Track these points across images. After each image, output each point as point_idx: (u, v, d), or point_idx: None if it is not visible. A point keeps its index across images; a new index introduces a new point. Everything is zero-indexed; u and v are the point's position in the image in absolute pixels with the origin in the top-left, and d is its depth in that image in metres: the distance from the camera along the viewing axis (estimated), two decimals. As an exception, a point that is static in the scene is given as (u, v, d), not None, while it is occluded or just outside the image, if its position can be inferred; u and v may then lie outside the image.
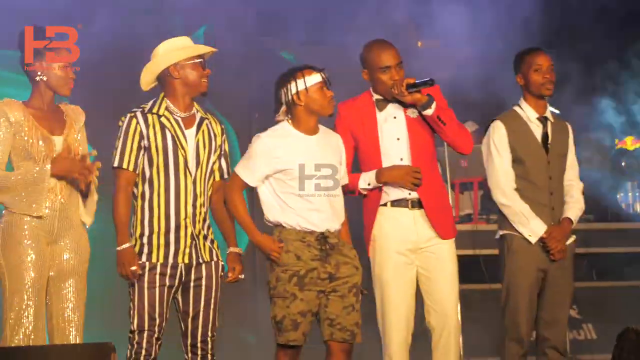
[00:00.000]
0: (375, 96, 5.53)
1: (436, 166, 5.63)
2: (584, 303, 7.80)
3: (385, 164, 5.46)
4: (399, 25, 8.01)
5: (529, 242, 5.79)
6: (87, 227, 5.35)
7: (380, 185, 5.46)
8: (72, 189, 5.26)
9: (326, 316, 5.21)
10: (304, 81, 5.24)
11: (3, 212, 5.23)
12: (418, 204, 5.48)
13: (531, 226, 5.79)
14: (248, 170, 5.27)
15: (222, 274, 5.25)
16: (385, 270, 5.46)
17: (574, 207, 5.89)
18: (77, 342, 5.19)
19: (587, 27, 8.70)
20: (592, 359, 7.76)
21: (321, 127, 5.36)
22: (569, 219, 5.85)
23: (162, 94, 5.28)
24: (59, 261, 5.21)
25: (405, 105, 5.48)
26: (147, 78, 5.29)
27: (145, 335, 5.06)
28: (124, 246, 5.10)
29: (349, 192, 5.50)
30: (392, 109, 5.51)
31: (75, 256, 5.24)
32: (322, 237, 5.23)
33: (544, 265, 5.82)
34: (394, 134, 5.48)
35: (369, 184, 5.47)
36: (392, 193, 5.48)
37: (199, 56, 5.25)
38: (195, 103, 5.32)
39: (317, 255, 5.20)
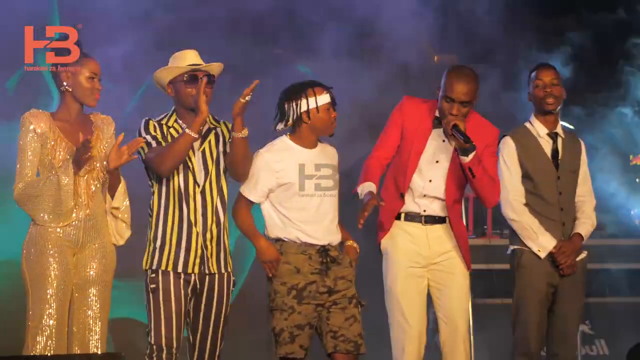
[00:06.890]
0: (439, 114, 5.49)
1: (461, 200, 5.62)
2: (597, 319, 7.78)
3: (416, 179, 5.45)
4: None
5: (539, 257, 5.80)
6: (117, 246, 5.33)
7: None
8: (100, 200, 5.26)
9: (329, 329, 5.21)
10: (315, 100, 5.21)
11: (30, 224, 5.22)
12: (431, 220, 5.50)
13: (540, 241, 5.79)
14: (250, 188, 5.25)
15: (232, 288, 5.25)
16: (397, 282, 5.47)
17: (585, 223, 5.89)
18: (99, 351, 5.18)
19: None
20: (604, 375, 7.76)
21: (320, 142, 5.33)
22: (580, 234, 5.85)
23: (173, 107, 5.27)
24: (84, 270, 5.21)
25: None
26: (160, 85, 5.28)
27: (164, 354, 5.08)
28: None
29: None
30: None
31: (99, 266, 5.24)
32: (324, 250, 5.24)
33: (554, 281, 5.82)
34: (435, 155, 5.48)
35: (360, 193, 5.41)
36: (408, 205, 5.49)
37: (194, 71, 5.13)
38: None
39: (317, 269, 5.21)
